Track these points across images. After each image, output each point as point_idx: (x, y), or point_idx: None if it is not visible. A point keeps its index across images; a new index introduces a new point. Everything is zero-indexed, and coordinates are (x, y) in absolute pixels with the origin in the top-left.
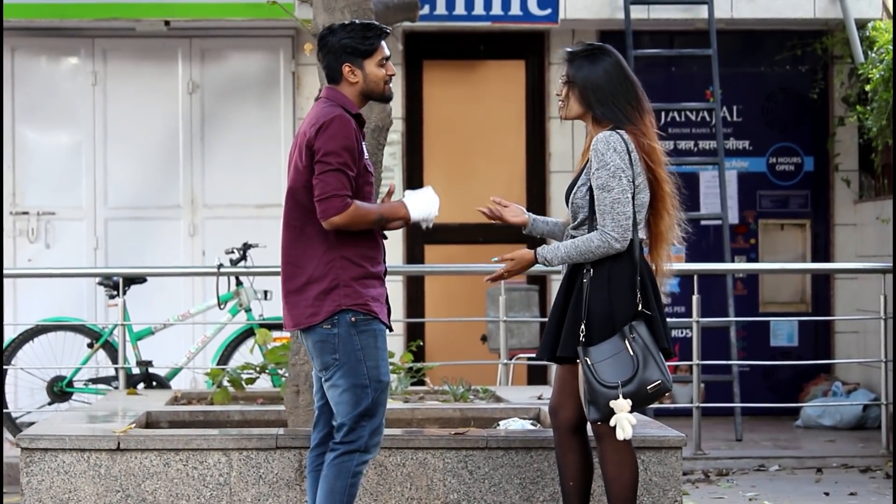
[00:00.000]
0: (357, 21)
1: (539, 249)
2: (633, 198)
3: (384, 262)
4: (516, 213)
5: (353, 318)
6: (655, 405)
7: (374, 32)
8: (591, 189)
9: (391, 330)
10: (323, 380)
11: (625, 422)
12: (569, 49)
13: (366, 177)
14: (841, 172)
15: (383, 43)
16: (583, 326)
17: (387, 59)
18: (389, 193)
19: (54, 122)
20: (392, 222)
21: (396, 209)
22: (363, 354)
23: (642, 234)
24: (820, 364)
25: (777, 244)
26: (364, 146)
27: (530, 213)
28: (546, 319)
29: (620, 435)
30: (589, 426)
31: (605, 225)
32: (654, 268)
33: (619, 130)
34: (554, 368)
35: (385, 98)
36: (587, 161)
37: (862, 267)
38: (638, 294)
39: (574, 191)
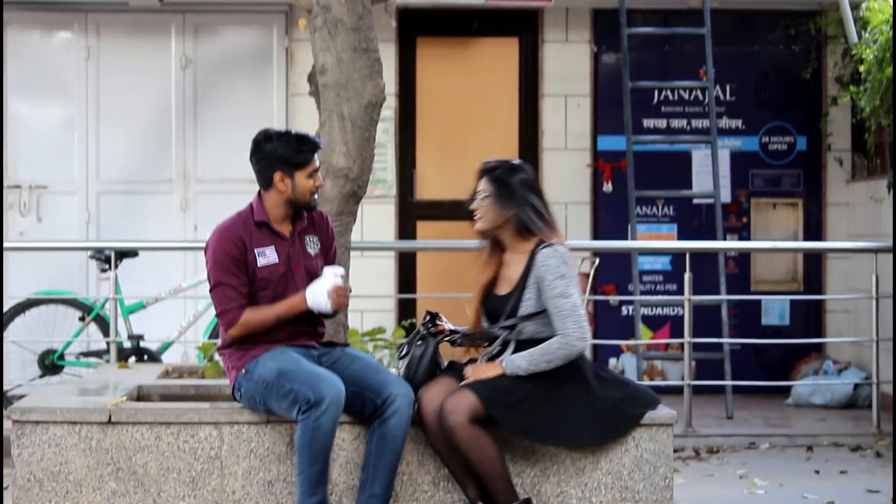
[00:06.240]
0: (293, 132)
1: (505, 363)
2: None
3: (295, 324)
4: (493, 368)
5: (244, 371)
6: (647, 382)
7: (307, 146)
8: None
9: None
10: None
11: None
12: (485, 164)
13: (258, 283)
14: (833, 152)
15: (315, 156)
16: None
17: (316, 170)
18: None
19: (47, 97)
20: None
21: (295, 305)
22: (261, 386)
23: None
24: (811, 343)
25: (769, 223)
26: (260, 253)
27: (503, 358)
28: None
29: None
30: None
31: (565, 329)
32: None
33: (552, 243)
34: None
35: (310, 207)
36: (525, 276)
37: (854, 246)
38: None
39: (522, 305)
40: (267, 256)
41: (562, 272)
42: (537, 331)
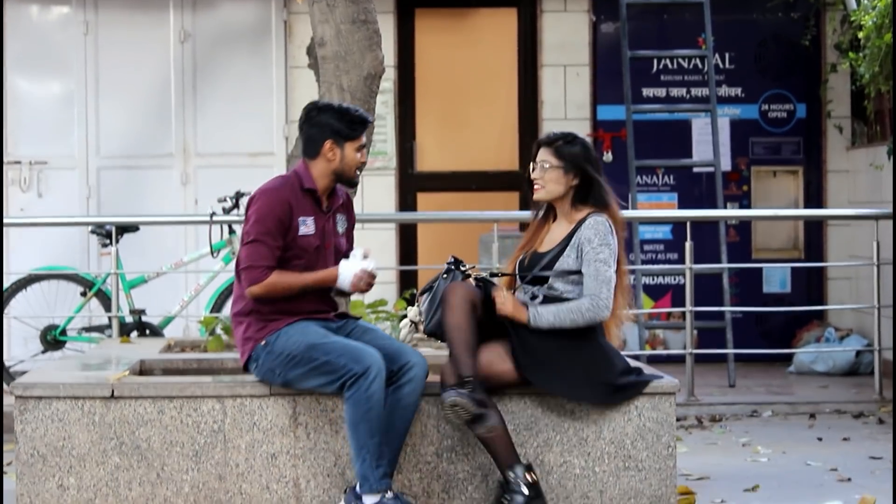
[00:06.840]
0: (346, 106)
1: (531, 314)
2: None
3: (317, 300)
4: (520, 311)
5: (263, 343)
6: (648, 351)
7: (360, 121)
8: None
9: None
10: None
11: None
12: (546, 136)
13: (295, 251)
14: (833, 119)
15: (364, 131)
16: None
17: (363, 146)
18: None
19: (46, 72)
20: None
21: (327, 279)
22: (285, 359)
23: None
24: (813, 310)
25: (770, 191)
26: (302, 222)
27: (529, 306)
28: None
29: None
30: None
31: (599, 293)
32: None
33: (602, 215)
34: None
35: (353, 182)
36: (569, 237)
37: (854, 213)
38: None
39: (560, 261)
40: (308, 226)
41: (608, 241)
42: (566, 290)
